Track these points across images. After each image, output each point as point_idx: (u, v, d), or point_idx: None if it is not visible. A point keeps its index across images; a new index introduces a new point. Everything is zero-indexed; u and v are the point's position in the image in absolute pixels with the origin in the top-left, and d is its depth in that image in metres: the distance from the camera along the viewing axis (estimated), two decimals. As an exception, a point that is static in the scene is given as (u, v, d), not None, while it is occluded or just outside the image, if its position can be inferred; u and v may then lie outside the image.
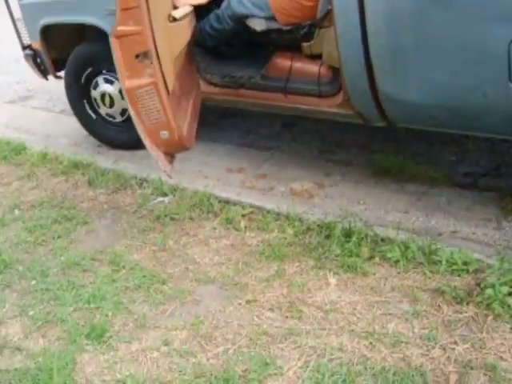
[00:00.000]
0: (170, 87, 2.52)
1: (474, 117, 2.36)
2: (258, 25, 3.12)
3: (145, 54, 2.37)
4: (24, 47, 4.02)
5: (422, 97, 2.40)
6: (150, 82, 2.42)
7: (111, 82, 3.55)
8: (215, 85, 3.27)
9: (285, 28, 3.04)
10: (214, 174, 3.32)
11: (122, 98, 3.45)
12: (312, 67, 2.94)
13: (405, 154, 3.26)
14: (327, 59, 2.82)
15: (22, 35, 4.00)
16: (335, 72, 2.75)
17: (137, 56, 2.38)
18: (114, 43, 2.36)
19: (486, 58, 2.14)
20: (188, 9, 2.74)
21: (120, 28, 2.34)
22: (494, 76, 2.16)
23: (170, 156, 2.72)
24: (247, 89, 3.15)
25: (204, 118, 3.73)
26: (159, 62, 2.42)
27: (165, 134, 2.55)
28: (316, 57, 2.95)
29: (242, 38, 3.32)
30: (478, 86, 2.22)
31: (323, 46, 2.83)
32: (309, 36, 2.95)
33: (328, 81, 2.86)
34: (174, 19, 2.59)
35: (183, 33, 2.69)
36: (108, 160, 3.55)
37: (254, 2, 3.08)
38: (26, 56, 4.01)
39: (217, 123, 4.02)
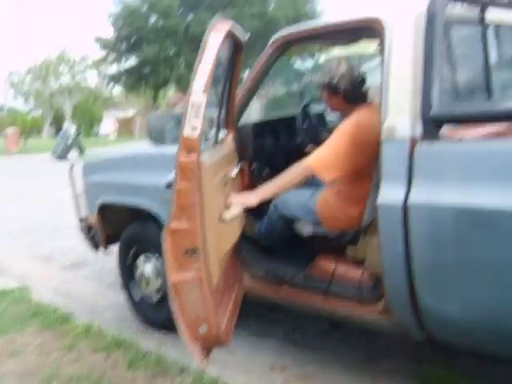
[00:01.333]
0: (215, 283, 2.62)
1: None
2: (304, 229, 3.29)
3: (193, 250, 2.49)
4: (81, 219, 4.30)
5: (462, 314, 2.40)
6: (195, 277, 2.51)
7: (147, 263, 3.73)
8: (259, 280, 3.35)
9: (330, 234, 3.18)
10: (256, 368, 3.28)
11: (156, 278, 3.61)
12: (355, 272, 3.01)
13: (455, 367, 3.15)
14: (370, 266, 2.89)
15: (80, 208, 4.30)
16: (377, 279, 2.79)
17: (186, 251, 2.50)
18: (166, 237, 2.50)
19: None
20: (238, 210, 2.86)
21: (174, 223, 2.48)
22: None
23: (207, 350, 2.74)
24: (289, 287, 3.20)
25: (252, 310, 3.82)
26: (206, 259, 2.53)
27: (203, 328, 2.61)
28: (359, 262, 3.03)
29: (290, 237, 3.46)
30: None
31: (367, 252, 2.92)
32: (353, 241, 3.07)
33: (370, 287, 2.89)
34: (224, 220, 2.74)
35: (232, 233, 2.83)
36: (151, 341, 3.59)
37: (301, 205, 3.25)
38: (81, 227, 4.28)
39: (264, 316, 4.03)
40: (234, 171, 3.10)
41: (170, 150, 2.96)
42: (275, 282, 3.28)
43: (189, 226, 2.47)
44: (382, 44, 2.67)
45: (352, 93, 3.10)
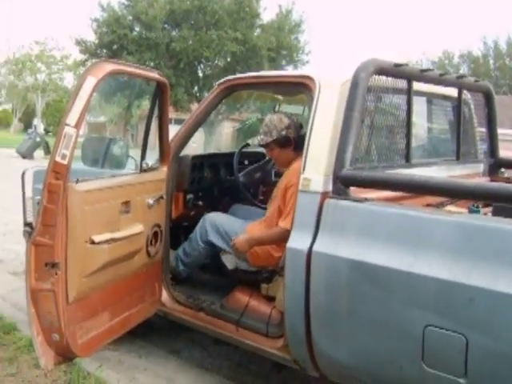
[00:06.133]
0: (71, 297, 2.82)
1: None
2: (229, 263, 3.51)
3: (53, 265, 2.73)
4: (25, 223, 4.38)
5: (349, 357, 2.62)
6: (50, 288, 2.75)
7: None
8: (179, 303, 3.53)
9: (251, 269, 3.40)
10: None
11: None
12: (265, 308, 3.22)
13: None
14: (278, 304, 3.10)
15: (27, 212, 4.39)
16: (283, 317, 2.96)
17: (46, 264, 2.74)
18: (30, 248, 2.77)
19: (403, 337, 2.40)
20: (110, 236, 2.99)
21: (38, 238, 2.75)
22: (410, 354, 2.39)
23: (62, 357, 2.95)
24: (206, 313, 3.40)
25: (197, 341, 3.91)
26: (65, 275, 2.76)
27: (55, 336, 2.82)
28: (271, 298, 3.24)
29: (211, 263, 3.68)
30: (396, 357, 2.45)
31: (278, 291, 3.13)
32: (268, 279, 3.30)
33: (276, 324, 3.09)
34: (93, 242, 2.89)
35: (101, 255, 2.97)
36: (93, 363, 3.51)
37: (230, 235, 3.45)
38: (24, 232, 4.35)
39: (209, 349, 4.00)
40: (151, 199, 3.30)
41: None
42: (194, 307, 3.47)
43: (51, 242, 2.72)
44: (310, 101, 2.91)
45: (299, 140, 3.27)
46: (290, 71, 4.04)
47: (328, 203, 2.66)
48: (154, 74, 3.25)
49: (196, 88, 27.62)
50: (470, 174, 3.80)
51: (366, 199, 2.63)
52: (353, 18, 78.53)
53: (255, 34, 26.44)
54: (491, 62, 37.73)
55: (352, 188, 2.68)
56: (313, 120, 2.84)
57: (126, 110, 28.91)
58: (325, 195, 2.68)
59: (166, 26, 26.16)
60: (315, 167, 2.75)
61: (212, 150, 17.35)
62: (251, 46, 25.44)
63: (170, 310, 3.57)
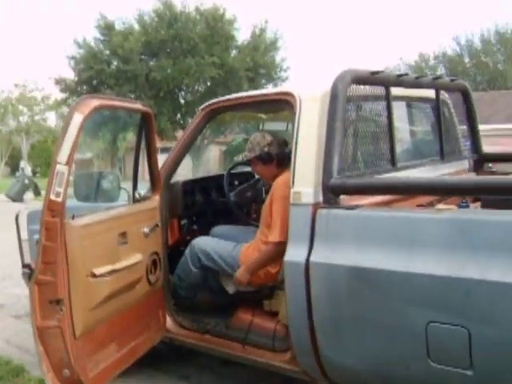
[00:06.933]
0: (78, 332, 2.83)
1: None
2: (230, 288, 3.54)
3: (57, 302, 2.75)
4: (24, 265, 4.40)
5: (357, 362, 2.65)
6: (56, 325, 2.77)
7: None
8: (184, 327, 3.55)
9: (251, 289, 3.43)
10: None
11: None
12: (269, 323, 3.25)
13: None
14: (282, 318, 3.14)
15: (24, 254, 4.42)
16: (288, 329, 2.99)
17: (50, 301, 2.76)
18: (33, 287, 2.78)
19: (407, 336, 2.45)
20: (111, 268, 3.01)
21: (40, 276, 2.76)
22: (415, 352, 2.43)
23: None
24: (212, 335, 3.42)
25: (205, 364, 3.91)
26: (70, 311, 2.78)
27: (66, 372, 2.82)
28: (275, 313, 3.28)
29: (211, 285, 3.70)
30: (403, 357, 2.49)
31: (280, 305, 3.18)
32: (270, 294, 3.34)
33: (282, 337, 3.12)
34: (94, 275, 2.91)
35: (103, 287, 2.98)
36: None
37: (225, 258, 3.49)
38: (24, 274, 4.35)
39: (218, 371, 3.98)
40: (146, 228, 3.32)
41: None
42: (199, 330, 3.50)
43: (53, 279, 2.75)
44: (293, 116, 2.98)
45: (282, 156, 3.44)
46: (270, 89, 4.17)
47: (320, 213, 2.71)
48: (138, 105, 3.31)
49: (179, 115, 27.76)
50: (456, 171, 3.87)
51: (356, 206, 2.69)
52: (328, 28, 79.50)
53: (231, 56, 26.65)
54: (466, 60, 37.98)
55: (342, 197, 2.73)
56: (297, 134, 2.91)
57: (111, 144, 29.00)
58: (316, 206, 2.73)
59: (143, 56, 26.35)
60: (304, 180, 2.81)
61: (201, 174, 17.46)
62: (229, 68, 25.65)
63: (176, 336, 3.59)
